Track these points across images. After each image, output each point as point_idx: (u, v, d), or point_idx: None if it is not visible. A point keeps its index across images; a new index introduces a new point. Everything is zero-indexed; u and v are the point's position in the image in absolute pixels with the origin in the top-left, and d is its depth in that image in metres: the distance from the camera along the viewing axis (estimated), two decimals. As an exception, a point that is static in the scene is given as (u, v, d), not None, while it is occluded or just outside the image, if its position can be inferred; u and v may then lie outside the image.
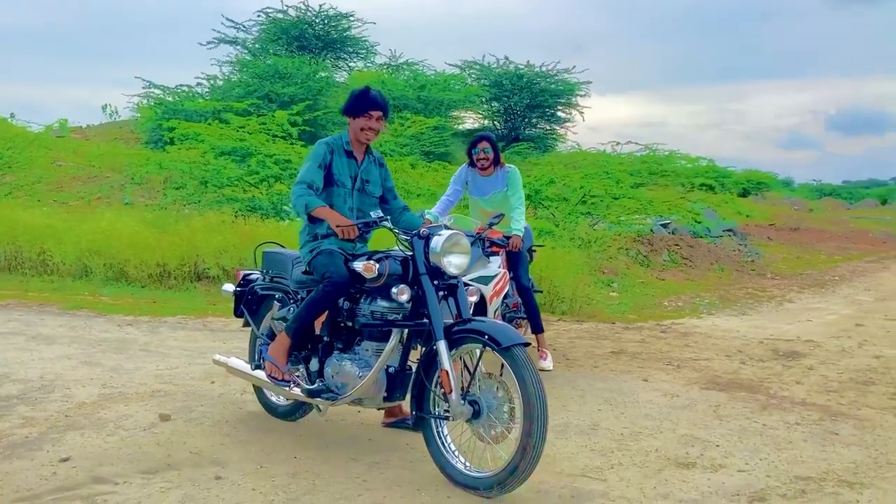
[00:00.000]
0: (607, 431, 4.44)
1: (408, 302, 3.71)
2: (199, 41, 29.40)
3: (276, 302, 4.35)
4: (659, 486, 3.62)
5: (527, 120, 33.17)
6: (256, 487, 3.47)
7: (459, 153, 24.76)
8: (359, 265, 3.78)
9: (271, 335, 4.41)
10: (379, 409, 4.18)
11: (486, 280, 5.42)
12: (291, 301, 4.25)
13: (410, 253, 3.70)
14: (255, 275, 4.68)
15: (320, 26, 31.51)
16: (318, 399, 3.89)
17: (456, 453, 3.57)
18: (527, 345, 3.37)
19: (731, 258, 15.10)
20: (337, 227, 3.74)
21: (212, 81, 27.39)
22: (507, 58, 32.64)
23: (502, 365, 3.39)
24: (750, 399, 5.23)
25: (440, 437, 3.61)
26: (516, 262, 5.95)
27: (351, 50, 33.33)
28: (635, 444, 4.22)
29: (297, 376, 4.07)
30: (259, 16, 30.39)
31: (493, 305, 5.51)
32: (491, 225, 5.52)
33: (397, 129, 20.48)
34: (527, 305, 5.96)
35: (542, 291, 6.80)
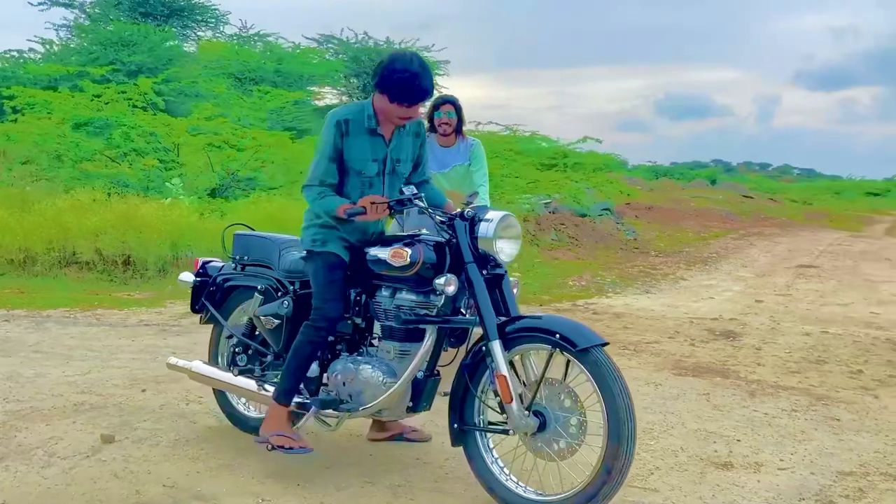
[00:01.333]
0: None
1: (430, 297, 3.16)
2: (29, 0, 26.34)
3: (257, 295, 3.62)
4: (717, 493, 3.29)
5: (385, 97, 32.44)
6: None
7: (320, 128, 23.82)
8: (383, 253, 3.16)
9: (250, 332, 3.69)
10: (387, 420, 3.57)
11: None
12: (281, 294, 3.54)
13: (447, 237, 3.11)
14: (218, 262, 3.93)
15: (166, -8, 29.38)
16: (333, 411, 3.23)
17: (507, 471, 3.05)
18: (605, 344, 2.89)
19: (613, 237, 15.32)
20: (370, 204, 3.09)
21: (47, 46, 24.98)
22: (366, 33, 31.84)
23: (566, 369, 2.91)
24: (730, 385, 5.03)
25: (488, 453, 3.07)
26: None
27: (199, 18, 31.38)
28: (656, 444, 3.87)
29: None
30: (90, -23, 27.84)
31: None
32: (468, 204, 5.03)
33: (256, 102, 19.38)
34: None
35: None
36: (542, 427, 2.91)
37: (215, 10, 30.79)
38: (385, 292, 3.23)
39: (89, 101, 13.60)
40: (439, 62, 30.56)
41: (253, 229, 3.92)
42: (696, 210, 25.61)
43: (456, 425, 3.10)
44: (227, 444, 3.65)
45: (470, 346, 3.12)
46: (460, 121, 5.28)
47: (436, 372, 3.20)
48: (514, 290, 3.33)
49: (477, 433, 3.08)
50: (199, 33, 31.23)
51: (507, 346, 2.95)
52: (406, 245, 3.15)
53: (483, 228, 3.05)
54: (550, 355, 2.89)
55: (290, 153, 14.46)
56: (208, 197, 11.92)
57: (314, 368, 3.38)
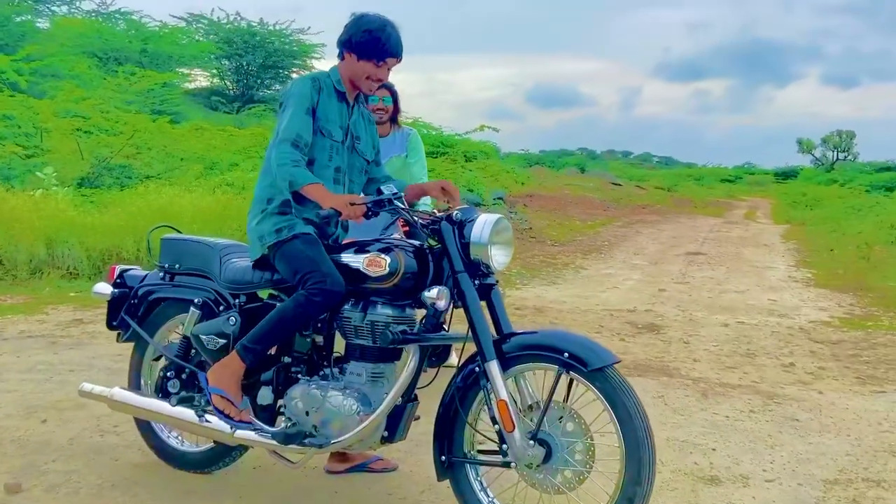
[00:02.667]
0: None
1: (406, 311, 2.78)
2: None
3: (194, 310, 3.09)
4: (717, 512, 3.07)
5: (261, 80, 31.54)
6: None
7: (192, 113, 22.62)
8: (355, 260, 2.74)
9: (184, 352, 3.15)
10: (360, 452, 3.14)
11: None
12: (222, 308, 3.05)
13: (429, 243, 2.74)
14: (138, 271, 3.37)
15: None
16: (297, 446, 2.78)
17: (502, 506, 2.71)
18: (617, 362, 2.59)
19: (506, 226, 15.21)
20: (344, 205, 2.65)
21: None
22: (238, 14, 30.59)
23: (569, 390, 2.60)
24: (678, 385, 4.90)
25: (479, 486, 2.72)
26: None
27: (47, -8, 29.16)
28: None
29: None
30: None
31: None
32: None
33: (122, 83, 18.15)
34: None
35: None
36: (547, 457, 2.58)
37: (62, -16, 28.72)
38: (354, 306, 2.81)
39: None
40: (316, 46, 29.78)
41: (180, 231, 3.39)
42: (574, 198, 26.08)
43: (444, 457, 2.72)
44: (163, 485, 3.12)
45: (459, 364, 2.76)
46: (396, 108, 4.87)
47: (413, 396, 2.81)
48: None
49: (468, 466, 2.72)
50: (52, 8, 29.06)
51: (505, 366, 2.61)
52: (382, 251, 2.74)
53: (475, 233, 2.67)
54: (558, 376, 2.57)
55: (169, 139, 13.51)
56: (77, 187, 10.90)
57: (267, 394, 2.92)
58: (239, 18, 30.44)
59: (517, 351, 2.62)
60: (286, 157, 2.79)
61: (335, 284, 2.73)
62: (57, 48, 22.79)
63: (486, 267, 2.69)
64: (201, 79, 31.10)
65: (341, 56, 2.98)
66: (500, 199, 16.40)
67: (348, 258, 2.79)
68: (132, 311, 3.26)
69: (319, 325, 2.88)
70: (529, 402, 2.67)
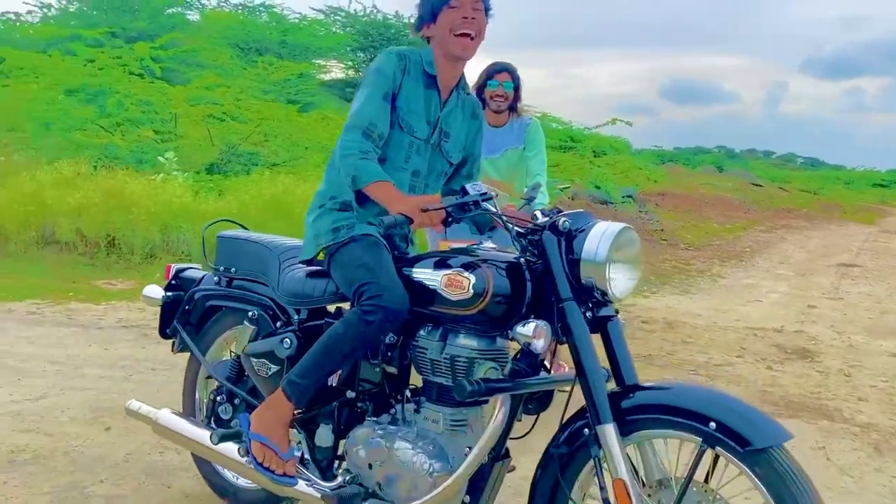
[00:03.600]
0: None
1: (498, 344, 2.18)
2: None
3: (247, 324, 2.61)
4: None
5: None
6: None
7: (325, 103, 22.76)
8: (432, 278, 2.17)
9: (235, 374, 2.68)
10: None
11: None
12: (280, 324, 2.55)
13: (530, 258, 2.12)
14: (197, 270, 2.93)
15: (169, -42, 28.35)
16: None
17: None
18: (788, 439, 1.87)
19: (637, 226, 14.21)
20: (416, 211, 2.10)
21: (45, 10, 23.95)
22: (374, 6, 30.85)
23: (712, 466, 1.92)
24: (842, 432, 4.04)
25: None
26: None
27: (203, -13, 30.34)
28: None
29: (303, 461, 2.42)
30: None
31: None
32: (530, 200, 4.02)
33: (260, 73, 18.39)
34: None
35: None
36: None
37: (222, -23, 29.76)
38: (432, 334, 2.22)
39: (82, 66, 12.58)
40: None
41: (245, 227, 2.92)
42: (711, 198, 24.55)
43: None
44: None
45: (564, 418, 2.12)
46: (517, 95, 4.28)
47: (504, 452, 2.20)
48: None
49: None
50: (203, 1, 30.24)
51: (625, 430, 1.96)
52: (466, 267, 2.15)
53: (589, 247, 2.01)
54: (701, 452, 1.89)
55: (296, 127, 13.43)
56: (206, 173, 10.92)
57: (326, 434, 2.39)
58: (375, 11, 30.70)
59: (644, 412, 1.95)
60: (354, 147, 2.26)
61: (395, 301, 2.15)
62: (204, 39, 23.60)
63: (601, 293, 2.05)
64: (337, 70, 31.54)
65: (427, 39, 2.42)
66: (629, 196, 15.43)
67: (423, 274, 2.21)
68: (185, 319, 2.81)
69: (389, 352, 2.32)
70: (658, 477, 2.00)
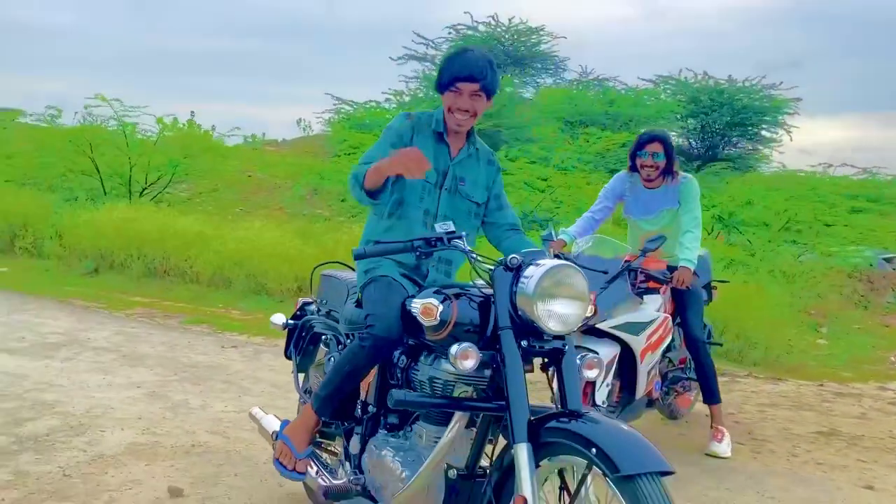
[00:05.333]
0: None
1: (479, 370, 2.35)
2: (391, 55, 29.30)
3: (322, 346, 3.11)
4: None
5: (726, 139, 30.76)
6: None
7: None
8: (417, 304, 2.45)
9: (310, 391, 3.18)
10: None
11: (636, 329, 3.89)
12: (340, 347, 3.00)
13: (491, 292, 2.31)
14: (314, 305, 3.49)
15: (509, 42, 30.85)
16: (339, 501, 2.59)
17: None
18: (667, 473, 1.87)
19: None
20: (401, 159, 2.46)
21: (398, 97, 27.46)
22: (705, 73, 30.30)
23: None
24: None
25: None
26: (685, 303, 4.37)
27: (539, 66, 32.47)
28: None
29: (326, 459, 2.82)
30: (449, 32, 30.11)
31: (647, 363, 3.97)
32: (646, 251, 4.03)
33: (582, 144, 19.06)
34: (697, 364, 4.35)
35: (721, 344, 5.13)
36: None
37: (555, 56, 31.60)
38: (426, 358, 2.51)
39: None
40: (789, 100, 27.90)
41: (350, 267, 3.40)
42: None
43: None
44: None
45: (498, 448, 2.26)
46: (670, 161, 4.31)
47: (479, 470, 2.35)
48: (590, 373, 2.34)
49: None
50: (538, 80, 32.29)
51: (540, 452, 2.05)
52: (442, 299, 2.38)
53: (523, 282, 2.18)
54: (585, 473, 1.95)
55: (585, 194, 13.86)
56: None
57: (356, 443, 2.77)
58: (706, 77, 30.24)
59: (555, 437, 2.03)
60: (352, 173, 2.72)
61: (384, 330, 2.49)
62: (535, 114, 25.24)
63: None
64: (665, 139, 31.46)
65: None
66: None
67: (414, 304, 2.48)
68: (297, 344, 3.36)
69: (402, 374, 2.61)
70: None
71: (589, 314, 3.78)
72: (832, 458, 4.37)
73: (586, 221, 4.51)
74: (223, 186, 16.19)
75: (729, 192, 12.18)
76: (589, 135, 19.64)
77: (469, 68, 2.69)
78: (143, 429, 4.19)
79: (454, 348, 2.21)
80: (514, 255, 2.25)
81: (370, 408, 2.74)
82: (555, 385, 2.24)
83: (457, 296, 2.37)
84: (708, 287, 5.00)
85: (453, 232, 2.37)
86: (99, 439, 3.98)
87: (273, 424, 3.18)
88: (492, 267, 2.31)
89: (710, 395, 4.36)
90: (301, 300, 3.54)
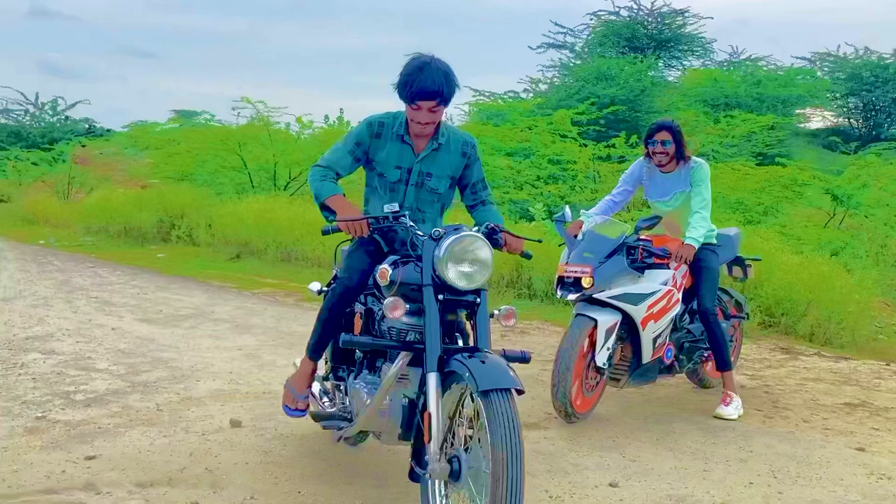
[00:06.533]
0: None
1: (419, 320, 2.94)
2: (529, 45, 29.78)
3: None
4: None
5: (891, 117, 29.01)
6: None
7: (803, 153, 21.97)
8: (377, 270, 3.09)
9: None
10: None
11: (635, 299, 4.33)
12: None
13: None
14: None
15: (653, 25, 30.46)
16: (324, 423, 3.31)
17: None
18: (518, 392, 2.47)
19: None
20: (342, 221, 3.08)
21: (535, 86, 27.88)
22: (867, 48, 28.63)
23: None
24: None
25: (433, 499, 2.79)
26: (699, 278, 4.73)
27: (685, 48, 31.75)
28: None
29: (325, 394, 3.54)
30: (590, 19, 30.13)
31: (651, 331, 4.39)
32: (638, 229, 4.49)
33: (724, 129, 18.70)
34: (709, 333, 4.70)
35: (747, 317, 5.35)
36: (455, 475, 2.58)
37: (701, 38, 30.84)
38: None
39: (520, 131, 14.95)
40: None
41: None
42: None
43: (412, 464, 2.85)
44: (311, 447, 3.88)
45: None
46: (680, 147, 4.70)
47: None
48: (511, 321, 2.91)
49: (429, 478, 2.79)
50: (684, 63, 31.64)
51: (448, 379, 2.69)
52: (392, 264, 3.03)
53: (437, 250, 2.79)
54: (461, 394, 2.56)
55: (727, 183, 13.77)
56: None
57: (351, 381, 3.43)
58: (868, 52, 28.65)
59: (453, 367, 2.63)
60: (316, 175, 3.32)
61: (348, 280, 3.23)
62: (677, 98, 24.90)
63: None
64: (818, 118, 30.06)
65: None
66: None
67: (377, 269, 3.11)
68: None
69: (375, 326, 3.27)
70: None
71: (587, 286, 4.30)
72: (843, 426, 4.58)
73: (606, 204, 4.96)
74: (358, 179, 17.39)
75: (849, 173, 11.87)
76: (732, 118, 19.23)
77: (426, 88, 3.06)
78: (230, 380, 5.08)
79: (385, 301, 2.85)
80: (437, 229, 2.85)
81: (357, 354, 3.42)
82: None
83: (405, 263, 3.01)
84: (742, 264, 5.31)
85: (398, 212, 3.01)
86: (193, 386, 4.90)
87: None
88: (422, 238, 2.92)
89: (721, 363, 4.70)
90: (336, 270, 4.27)
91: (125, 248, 13.82)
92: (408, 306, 2.87)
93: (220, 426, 4.14)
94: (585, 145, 13.94)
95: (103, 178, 20.67)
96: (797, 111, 26.73)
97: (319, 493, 3.30)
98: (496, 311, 2.92)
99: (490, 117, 22.31)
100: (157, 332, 6.56)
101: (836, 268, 8.02)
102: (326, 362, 3.81)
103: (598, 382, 4.47)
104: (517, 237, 3.20)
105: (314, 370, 3.53)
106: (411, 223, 3.02)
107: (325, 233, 3.16)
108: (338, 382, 3.70)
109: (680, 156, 4.74)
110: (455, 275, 2.76)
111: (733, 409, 4.62)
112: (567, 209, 4.63)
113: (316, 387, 3.67)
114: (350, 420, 3.25)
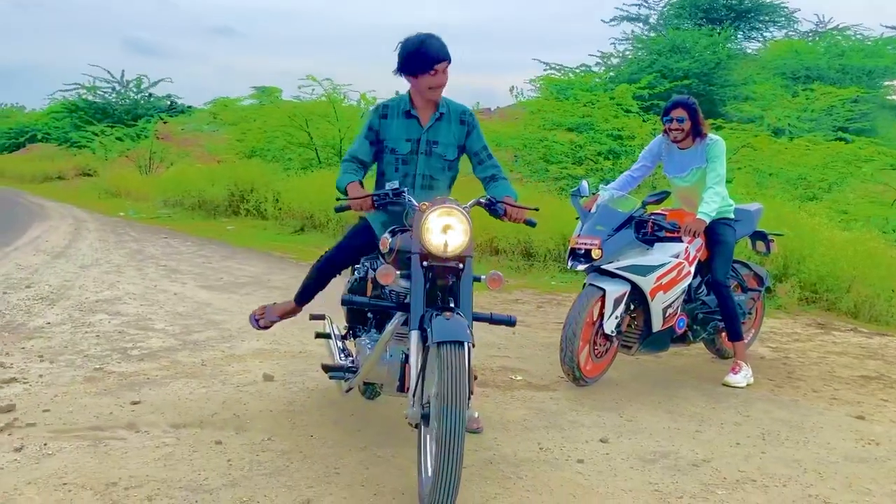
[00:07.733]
0: (714, 471, 3.43)
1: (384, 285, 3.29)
2: (602, 18, 29.40)
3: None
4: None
5: None
6: (234, 459, 3.37)
7: (886, 128, 21.23)
8: (380, 239, 3.42)
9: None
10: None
11: (643, 270, 4.52)
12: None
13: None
14: None
15: (732, -6, 29.57)
16: (331, 374, 3.67)
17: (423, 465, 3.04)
18: (469, 345, 2.79)
19: None
20: (351, 200, 3.41)
21: (606, 60, 27.55)
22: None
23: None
24: None
25: (422, 444, 3.10)
26: (713, 251, 4.89)
27: (766, 18, 30.78)
28: (732, 496, 3.18)
29: (342, 351, 3.91)
30: (667, -11, 29.55)
31: (660, 301, 4.58)
32: (645, 203, 4.68)
33: (801, 102, 18.23)
34: (721, 305, 4.85)
35: (763, 291, 5.42)
36: (426, 420, 2.91)
37: (783, 7, 29.93)
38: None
39: (582, 106, 14.96)
40: None
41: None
42: None
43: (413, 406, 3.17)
44: (331, 399, 4.24)
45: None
46: (696, 123, 4.83)
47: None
48: (498, 285, 3.18)
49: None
50: (765, 34, 30.78)
51: (425, 338, 2.98)
52: (392, 233, 3.34)
53: (420, 221, 3.07)
54: (427, 346, 2.91)
55: (766, 155, 13.54)
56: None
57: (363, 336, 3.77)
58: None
59: (430, 325, 2.93)
60: (341, 169, 3.69)
61: (335, 251, 3.89)
62: (754, 71, 24.32)
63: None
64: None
65: (402, 78, 3.61)
66: None
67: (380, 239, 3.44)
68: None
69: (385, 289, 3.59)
70: None
71: (596, 257, 4.52)
72: (852, 397, 4.68)
73: (625, 179, 5.14)
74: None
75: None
76: (811, 91, 18.68)
77: (442, 52, 3.49)
78: (272, 340, 5.50)
79: (378, 269, 3.16)
80: (424, 202, 3.14)
81: (368, 315, 3.76)
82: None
83: (402, 232, 3.32)
84: (765, 238, 5.42)
85: (398, 188, 3.32)
86: (237, 345, 5.35)
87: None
88: (415, 210, 3.21)
89: (733, 334, 4.86)
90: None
91: (198, 220, 14.58)
92: (398, 273, 3.19)
93: (254, 380, 4.55)
94: (647, 120, 13.91)
95: (183, 154, 21.67)
96: (885, 83, 25.72)
97: (329, 437, 3.68)
98: (482, 277, 3.20)
99: (560, 90, 22.29)
100: (215, 298, 7.07)
101: (885, 244, 7.94)
102: (346, 325, 4.18)
103: (607, 349, 4.70)
104: (518, 207, 3.48)
105: (293, 311, 4.13)
106: (410, 199, 3.32)
107: (337, 210, 3.50)
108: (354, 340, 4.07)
109: (696, 132, 4.88)
110: (436, 242, 3.05)
111: (742, 378, 4.77)
112: (584, 183, 4.85)
113: (333, 345, 4.04)
114: (355, 372, 3.60)
